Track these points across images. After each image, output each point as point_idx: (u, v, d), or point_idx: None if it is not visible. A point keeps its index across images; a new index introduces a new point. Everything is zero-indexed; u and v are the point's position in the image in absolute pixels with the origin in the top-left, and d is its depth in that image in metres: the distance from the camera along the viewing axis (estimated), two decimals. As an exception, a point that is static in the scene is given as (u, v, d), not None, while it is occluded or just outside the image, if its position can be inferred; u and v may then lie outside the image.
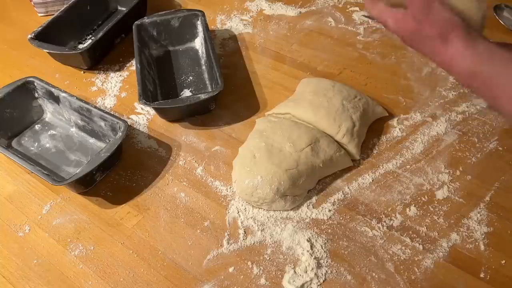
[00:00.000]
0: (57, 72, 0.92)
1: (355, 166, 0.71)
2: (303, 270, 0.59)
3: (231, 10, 1.03)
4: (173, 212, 0.67)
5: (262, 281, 0.59)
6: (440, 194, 0.66)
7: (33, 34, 0.88)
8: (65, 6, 0.96)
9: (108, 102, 0.85)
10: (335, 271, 0.59)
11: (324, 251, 0.61)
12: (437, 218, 0.64)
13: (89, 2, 0.99)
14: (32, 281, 0.61)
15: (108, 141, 0.74)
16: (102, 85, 0.88)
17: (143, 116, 0.81)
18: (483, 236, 0.61)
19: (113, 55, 0.94)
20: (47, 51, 0.88)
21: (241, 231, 0.64)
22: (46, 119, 0.82)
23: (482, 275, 0.58)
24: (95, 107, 0.74)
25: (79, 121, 0.78)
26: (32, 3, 1.04)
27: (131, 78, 0.89)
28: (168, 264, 0.62)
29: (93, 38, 0.98)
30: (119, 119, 0.71)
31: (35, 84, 0.79)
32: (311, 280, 0.58)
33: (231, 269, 0.60)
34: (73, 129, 0.79)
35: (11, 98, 0.78)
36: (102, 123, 0.74)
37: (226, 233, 0.64)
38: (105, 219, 0.67)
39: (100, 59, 0.93)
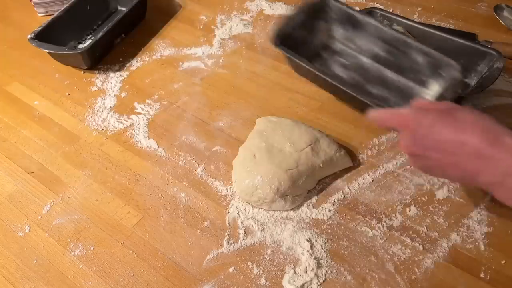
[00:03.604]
0: (57, 72, 0.92)
1: (355, 166, 0.71)
2: (303, 270, 0.59)
3: (231, 10, 1.03)
4: (173, 212, 0.67)
5: (262, 281, 0.59)
6: (440, 194, 0.66)
7: (33, 34, 0.88)
8: (65, 6, 0.96)
9: (108, 102, 0.85)
10: (335, 271, 0.59)
11: (324, 251, 0.61)
12: (437, 218, 0.64)
13: (89, 2, 0.98)
14: (32, 281, 0.61)
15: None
16: (102, 85, 0.88)
17: (143, 116, 0.81)
18: (483, 236, 0.61)
19: (113, 55, 0.94)
20: (47, 51, 0.88)
21: (241, 231, 0.64)
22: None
23: (482, 275, 0.58)
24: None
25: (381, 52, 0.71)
26: (32, 3, 1.04)
27: (131, 78, 0.89)
28: (168, 264, 0.62)
29: (93, 38, 0.98)
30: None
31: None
32: (311, 280, 0.58)
33: (231, 269, 0.60)
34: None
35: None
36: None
37: (226, 233, 0.64)
38: (105, 219, 0.67)
39: (100, 59, 0.93)
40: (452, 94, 0.65)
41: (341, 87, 0.67)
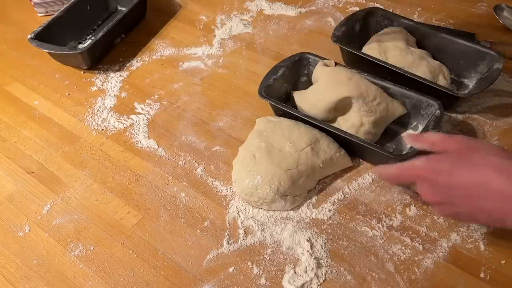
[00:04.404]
0: (57, 72, 0.92)
1: (355, 166, 0.71)
2: (303, 270, 0.59)
3: (231, 10, 1.03)
4: (173, 212, 0.67)
5: (262, 281, 0.59)
6: (440, 194, 0.66)
7: (33, 34, 0.88)
8: (65, 6, 0.96)
9: (108, 102, 0.85)
10: (335, 271, 0.59)
11: (324, 251, 0.61)
12: (437, 218, 0.64)
13: (89, 2, 0.98)
14: (32, 281, 0.61)
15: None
16: (102, 85, 0.88)
17: (143, 116, 0.81)
18: (483, 236, 0.61)
19: (113, 55, 0.94)
20: (47, 51, 0.88)
21: (241, 231, 0.64)
22: None
23: (482, 275, 0.58)
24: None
25: None
26: (32, 3, 1.04)
27: (131, 78, 0.89)
28: (168, 264, 0.62)
29: (93, 38, 0.98)
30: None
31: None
32: (311, 280, 0.58)
33: (231, 269, 0.60)
34: None
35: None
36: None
37: (226, 233, 0.64)
38: (105, 219, 0.67)
39: (100, 59, 0.93)
40: (435, 129, 0.67)
41: (328, 129, 0.70)
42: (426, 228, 0.63)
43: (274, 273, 0.60)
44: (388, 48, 0.80)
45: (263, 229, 0.64)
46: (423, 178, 0.51)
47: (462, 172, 0.48)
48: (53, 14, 0.95)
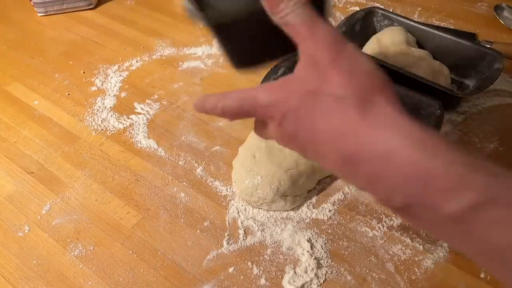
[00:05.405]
0: (57, 72, 0.92)
1: (355, 166, 0.71)
2: (303, 271, 0.59)
3: (231, 10, 1.03)
4: (173, 212, 0.67)
5: (262, 281, 0.59)
6: (440, 194, 0.66)
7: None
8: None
9: (108, 102, 0.85)
10: (335, 271, 0.59)
11: (324, 251, 0.61)
12: (437, 218, 0.64)
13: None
14: (32, 281, 0.61)
15: None
16: (101, 85, 0.88)
17: (143, 116, 0.81)
18: (483, 236, 0.61)
19: (113, 55, 0.94)
20: None
21: (241, 231, 0.64)
22: None
23: (482, 275, 0.58)
24: None
25: None
26: (32, 3, 1.04)
27: (131, 78, 0.89)
28: (168, 264, 0.62)
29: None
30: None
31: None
32: (311, 280, 0.58)
33: (231, 269, 0.60)
34: None
35: None
36: None
37: (226, 233, 0.64)
38: (105, 219, 0.67)
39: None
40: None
41: None
42: (426, 228, 0.63)
43: (274, 273, 0.60)
44: (388, 48, 0.80)
45: (263, 229, 0.64)
46: (271, 119, 0.34)
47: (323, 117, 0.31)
48: (53, 14, 0.94)
